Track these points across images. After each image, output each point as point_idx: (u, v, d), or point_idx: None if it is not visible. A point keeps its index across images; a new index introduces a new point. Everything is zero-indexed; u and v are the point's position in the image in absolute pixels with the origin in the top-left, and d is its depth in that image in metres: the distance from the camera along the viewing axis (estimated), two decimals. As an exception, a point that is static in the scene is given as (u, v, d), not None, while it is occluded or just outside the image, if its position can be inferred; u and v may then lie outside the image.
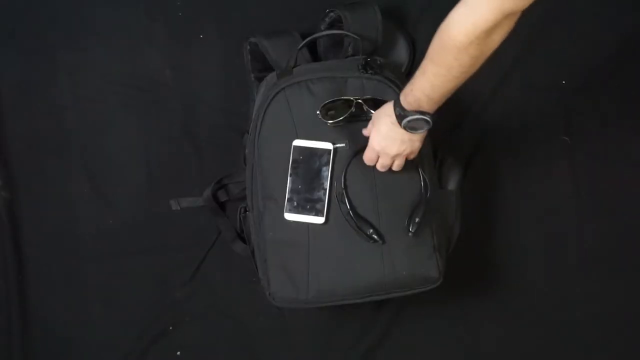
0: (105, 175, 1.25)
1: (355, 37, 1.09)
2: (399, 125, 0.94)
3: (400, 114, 0.92)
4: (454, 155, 1.16)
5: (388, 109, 0.96)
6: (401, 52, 1.24)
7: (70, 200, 1.24)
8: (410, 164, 1.05)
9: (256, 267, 1.12)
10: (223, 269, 1.24)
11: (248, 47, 1.19)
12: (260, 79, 1.16)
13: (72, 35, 1.27)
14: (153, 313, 1.22)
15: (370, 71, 1.06)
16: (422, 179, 1.05)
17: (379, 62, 1.08)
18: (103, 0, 1.28)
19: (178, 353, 1.22)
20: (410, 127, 0.94)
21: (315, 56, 1.17)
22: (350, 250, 1.04)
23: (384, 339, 1.22)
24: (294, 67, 1.08)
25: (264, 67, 1.15)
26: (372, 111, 1.03)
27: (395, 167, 1.02)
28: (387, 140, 0.97)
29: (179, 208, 1.23)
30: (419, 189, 1.05)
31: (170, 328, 1.22)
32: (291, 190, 1.04)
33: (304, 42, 1.10)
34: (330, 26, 1.17)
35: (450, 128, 1.26)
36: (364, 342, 1.22)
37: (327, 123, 1.03)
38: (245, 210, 1.14)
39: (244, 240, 1.18)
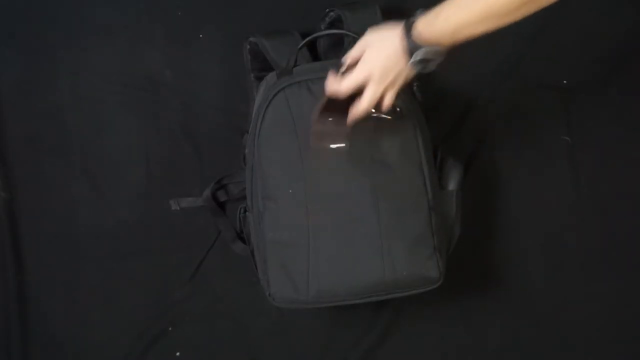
0: (105, 175, 1.25)
1: (356, 36, 1.09)
2: (402, 57, 0.89)
3: (411, 47, 0.87)
4: (454, 155, 1.16)
5: (391, 36, 0.90)
6: (401, 52, 1.23)
7: (70, 200, 1.24)
8: (411, 164, 1.05)
9: (256, 268, 1.12)
10: (223, 269, 1.24)
11: (248, 47, 1.19)
12: (260, 79, 1.16)
13: (72, 35, 1.27)
14: (153, 313, 1.22)
15: (370, 71, 1.06)
16: (423, 179, 1.05)
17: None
18: (103, 0, 1.28)
19: (178, 354, 1.22)
20: (420, 62, 0.88)
21: (315, 56, 1.17)
22: (350, 250, 1.04)
23: (384, 339, 1.22)
24: (294, 67, 1.08)
25: (264, 67, 1.15)
26: (372, 110, 1.03)
27: (387, 102, 0.95)
28: (388, 62, 0.90)
29: (178, 208, 1.23)
30: (419, 189, 1.05)
31: (170, 328, 1.22)
32: None
33: (304, 42, 1.10)
34: (330, 26, 1.17)
35: (450, 128, 1.26)
36: (364, 342, 1.22)
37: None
38: (245, 211, 1.14)
39: (243, 241, 1.18)
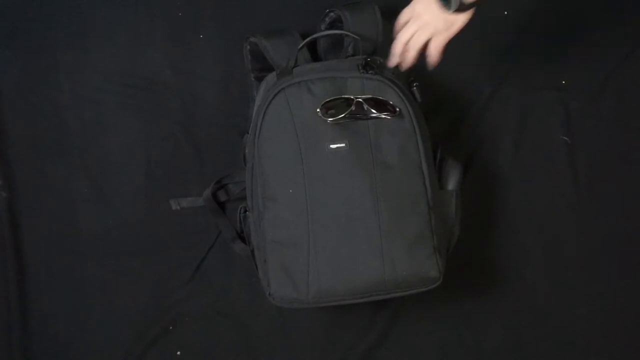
0: (105, 175, 1.25)
1: (355, 37, 1.09)
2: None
3: None
4: (454, 155, 1.16)
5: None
6: (401, 52, 1.24)
7: (70, 200, 1.24)
8: (411, 164, 1.05)
9: (256, 267, 1.12)
10: (223, 269, 1.23)
11: (248, 47, 1.19)
12: (260, 79, 1.16)
13: (72, 35, 1.27)
14: (153, 313, 1.22)
15: (370, 71, 1.06)
16: (423, 179, 1.05)
17: (379, 62, 1.08)
18: (103, 0, 1.28)
19: (178, 353, 1.22)
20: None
21: (315, 56, 1.17)
22: (350, 250, 1.04)
23: (384, 339, 1.22)
24: (294, 67, 1.09)
25: (264, 67, 1.15)
26: (372, 110, 1.04)
27: (433, 49, 1.02)
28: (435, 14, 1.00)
29: (178, 208, 1.23)
30: (419, 189, 1.05)
31: (170, 328, 1.22)
32: None
33: (304, 42, 1.10)
34: (330, 26, 1.17)
35: (450, 128, 1.26)
36: (364, 342, 1.22)
37: (327, 121, 1.04)
38: (245, 210, 1.15)
39: (244, 240, 1.18)
